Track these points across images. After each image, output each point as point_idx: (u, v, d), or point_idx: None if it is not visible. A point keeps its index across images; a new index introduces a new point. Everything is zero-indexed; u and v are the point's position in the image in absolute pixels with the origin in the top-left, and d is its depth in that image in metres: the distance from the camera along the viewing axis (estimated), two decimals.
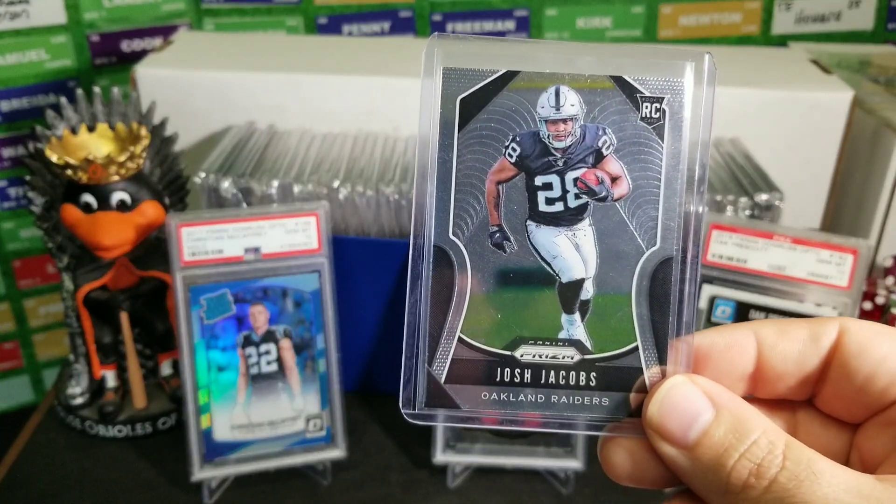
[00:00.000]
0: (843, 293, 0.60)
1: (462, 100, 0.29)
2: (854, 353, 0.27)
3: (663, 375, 0.29)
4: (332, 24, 1.04)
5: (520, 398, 0.30)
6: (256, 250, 0.61)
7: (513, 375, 0.30)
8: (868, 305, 0.73)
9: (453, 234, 0.30)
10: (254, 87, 0.78)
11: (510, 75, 0.29)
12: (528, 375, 0.30)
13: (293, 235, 0.62)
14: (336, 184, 0.67)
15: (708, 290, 0.62)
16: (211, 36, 0.96)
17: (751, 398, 0.29)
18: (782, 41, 1.05)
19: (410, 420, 0.30)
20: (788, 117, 0.77)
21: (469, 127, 0.29)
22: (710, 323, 0.62)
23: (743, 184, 0.68)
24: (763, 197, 0.66)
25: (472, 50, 0.29)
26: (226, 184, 0.67)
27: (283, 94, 0.78)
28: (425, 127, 0.29)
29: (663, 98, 0.29)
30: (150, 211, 0.65)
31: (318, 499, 0.63)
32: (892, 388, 0.27)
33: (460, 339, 0.30)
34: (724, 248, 0.61)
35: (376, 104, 0.78)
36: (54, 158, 0.62)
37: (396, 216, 0.68)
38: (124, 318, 0.69)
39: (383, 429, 0.71)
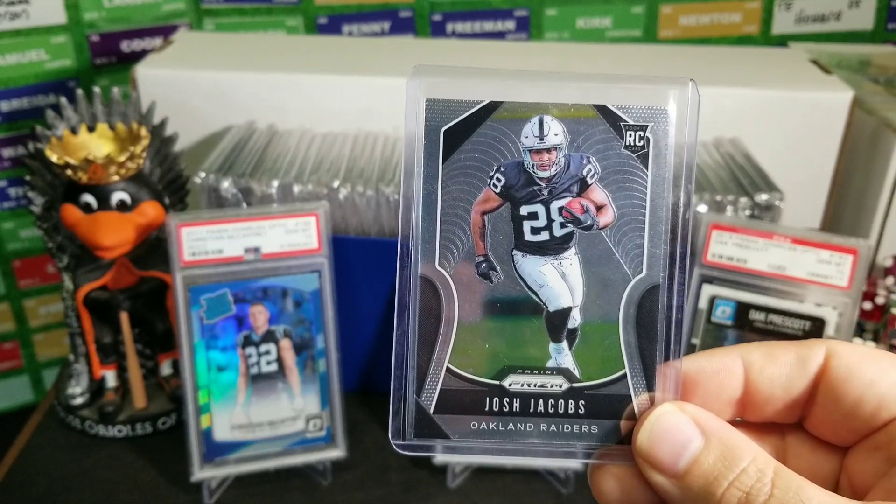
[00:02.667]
0: (843, 293, 0.60)
1: (446, 131, 0.29)
2: (842, 378, 0.27)
3: (652, 402, 0.29)
4: (332, 24, 1.04)
5: (509, 427, 0.30)
6: (256, 250, 0.61)
7: (501, 405, 0.30)
8: (868, 305, 0.73)
9: (440, 265, 0.30)
10: (254, 87, 0.78)
11: (494, 105, 0.29)
12: (516, 404, 0.30)
13: (293, 235, 0.62)
14: (336, 184, 0.67)
15: (708, 290, 0.62)
16: (211, 36, 0.96)
17: (739, 422, 0.29)
18: (782, 41, 1.05)
19: (400, 451, 0.30)
20: (788, 117, 0.77)
21: (453, 157, 0.29)
22: (709, 323, 0.62)
23: (743, 184, 0.68)
24: (763, 197, 0.66)
25: (455, 80, 0.30)
26: (226, 184, 0.67)
27: (283, 94, 0.78)
28: (409, 158, 0.30)
29: (647, 126, 0.29)
30: (150, 211, 0.65)
31: (318, 499, 0.63)
32: (881, 412, 0.27)
33: (448, 370, 0.30)
34: (724, 248, 0.61)
35: (376, 104, 0.78)
36: (54, 158, 0.62)
37: (396, 216, 0.68)
38: (124, 318, 0.69)
39: (383, 429, 0.71)
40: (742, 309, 0.61)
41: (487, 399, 0.30)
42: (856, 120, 0.76)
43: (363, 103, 0.78)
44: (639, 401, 0.29)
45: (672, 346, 0.29)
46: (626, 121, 0.29)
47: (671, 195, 0.29)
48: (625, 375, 0.29)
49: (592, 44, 1.03)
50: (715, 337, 0.62)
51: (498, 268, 0.30)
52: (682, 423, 0.27)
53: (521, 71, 0.30)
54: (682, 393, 0.29)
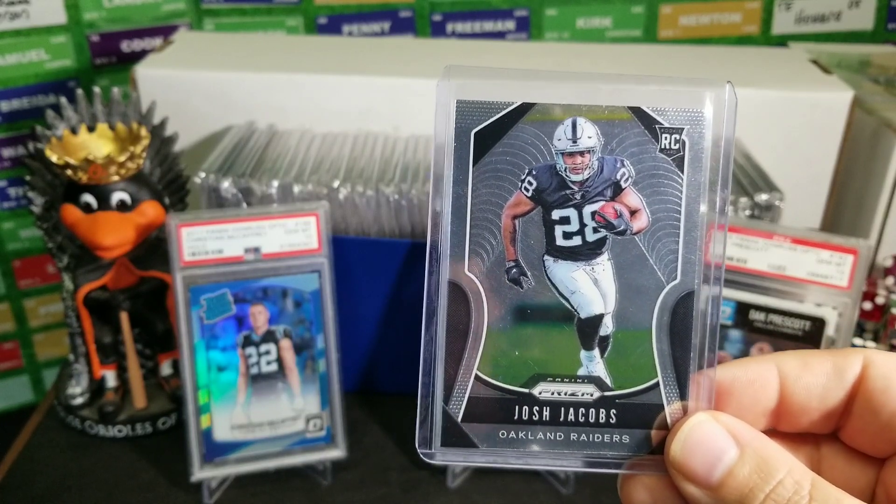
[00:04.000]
0: (843, 293, 0.60)
1: (476, 133, 0.29)
2: (880, 389, 0.27)
3: (685, 412, 0.28)
4: (332, 24, 1.04)
5: (538, 436, 0.29)
6: (256, 250, 0.61)
7: (531, 413, 0.29)
8: (868, 305, 0.73)
9: (469, 270, 0.29)
10: (254, 87, 0.78)
11: (525, 107, 0.29)
12: (546, 413, 0.29)
13: (293, 235, 0.62)
14: (336, 184, 0.67)
15: (707, 290, 0.62)
16: (211, 36, 0.96)
17: (773, 432, 0.29)
18: (782, 41, 1.05)
19: (427, 460, 0.29)
20: (788, 117, 0.76)
21: (484, 160, 0.29)
22: None
23: (743, 184, 0.68)
24: (763, 197, 0.66)
25: (486, 82, 0.29)
26: (226, 184, 0.67)
27: (283, 94, 0.78)
28: (439, 161, 0.29)
29: (683, 129, 0.28)
30: (150, 211, 0.65)
31: (318, 499, 0.63)
32: None
33: (477, 377, 0.29)
34: None
35: (376, 104, 0.78)
36: (54, 158, 0.62)
37: (396, 216, 0.68)
38: (124, 318, 0.69)
39: (383, 429, 0.71)
40: (742, 309, 0.61)
41: (517, 407, 0.29)
42: (856, 120, 0.76)
43: (363, 103, 0.78)
44: (671, 410, 0.28)
45: (706, 355, 0.29)
46: (661, 123, 0.28)
47: (707, 200, 0.29)
48: (657, 384, 0.29)
49: (592, 44, 1.03)
50: None
51: (529, 273, 0.29)
52: (716, 434, 0.26)
53: (553, 72, 0.29)
54: (715, 402, 0.28)
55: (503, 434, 0.29)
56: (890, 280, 0.74)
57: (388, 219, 0.68)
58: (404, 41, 1.00)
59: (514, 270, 0.29)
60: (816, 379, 0.28)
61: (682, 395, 0.28)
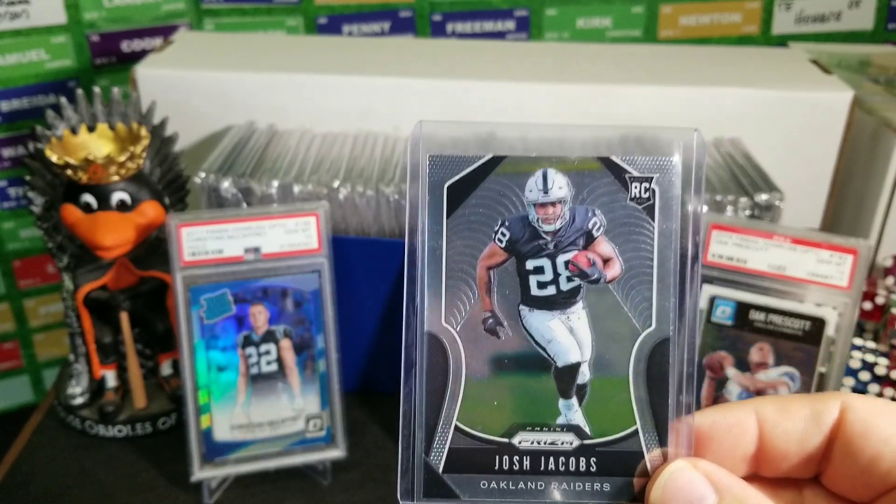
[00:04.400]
0: (843, 293, 0.60)
1: (449, 186, 0.29)
2: (858, 433, 0.27)
3: (665, 458, 0.28)
4: (332, 24, 1.04)
5: (519, 486, 0.29)
6: (256, 250, 0.61)
7: (511, 463, 0.29)
8: (868, 305, 0.73)
9: (446, 321, 0.29)
10: (254, 87, 0.78)
11: (496, 160, 0.29)
12: (526, 463, 0.29)
13: (293, 235, 0.62)
14: (336, 184, 0.67)
15: (708, 290, 0.62)
16: (211, 36, 0.96)
17: (755, 477, 0.29)
18: (782, 41, 1.05)
19: None
20: (788, 117, 0.77)
21: (458, 213, 0.29)
22: (709, 323, 0.62)
23: (743, 184, 0.68)
24: (763, 197, 0.66)
25: (456, 136, 0.29)
26: (226, 184, 0.67)
27: (283, 94, 0.78)
28: (413, 213, 0.29)
29: (652, 177, 0.29)
30: (150, 211, 0.65)
31: (318, 499, 0.63)
32: None
33: (457, 428, 0.29)
34: (724, 248, 0.61)
35: (376, 104, 0.78)
36: (54, 158, 0.62)
37: (396, 216, 0.68)
38: (124, 318, 0.69)
39: (383, 429, 0.71)
40: (742, 309, 0.61)
41: (497, 457, 0.29)
42: (856, 120, 0.76)
43: (363, 103, 0.78)
44: (651, 457, 0.28)
45: (684, 401, 0.29)
46: (630, 172, 0.29)
47: (679, 246, 0.29)
48: (636, 431, 0.29)
49: (592, 44, 1.03)
50: (715, 337, 0.62)
51: (505, 323, 0.29)
52: (695, 480, 0.26)
53: (523, 124, 0.29)
54: (695, 448, 0.28)
55: (484, 485, 0.29)
56: (890, 280, 0.74)
57: (388, 219, 0.68)
58: (404, 41, 1.00)
59: (491, 321, 0.29)
60: (795, 424, 0.28)
61: (662, 442, 0.29)
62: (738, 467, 0.28)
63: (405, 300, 0.29)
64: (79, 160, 0.62)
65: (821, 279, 0.60)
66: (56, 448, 0.69)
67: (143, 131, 0.65)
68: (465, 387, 0.29)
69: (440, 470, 0.29)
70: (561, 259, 0.29)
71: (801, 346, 0.61)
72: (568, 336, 0.29)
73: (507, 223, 0.29)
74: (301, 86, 0.78)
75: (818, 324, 0.61)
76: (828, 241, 0.60)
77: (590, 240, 0.29)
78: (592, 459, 0.29)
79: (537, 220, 0.29)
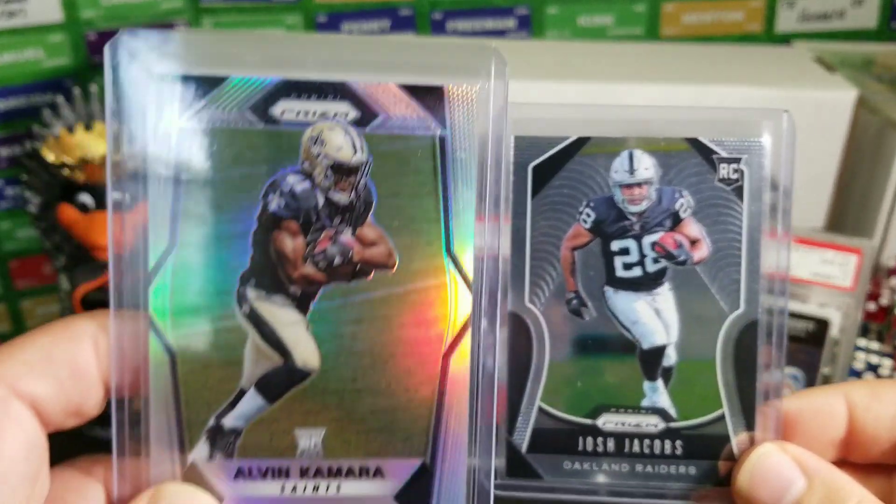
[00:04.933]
0: (847, 294, 0.60)
1: (534, 167, 0.29)
2: None
3: (752, 442, 0.28)
4: (332, 23, 1.03)
5: (602, 467, 0.29)
6: None
7: (595, 444, 0.29)
8: (872, 306, 0.72)
9: (529, 301, 0.29)
10: None
11: (582, 141, 0.29)
12: (610, 444, 0.29)
13: None
14: None
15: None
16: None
17: (844, 462, 0.28)
18: (785, 39, 1.04)
19: (492, 491, 0.29)
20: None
21: (542, 194, 0.29)
22: None
23: None
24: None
25: (542, 117, 0.29)
26: None
27: None
28: (498, 194, 0.29)
29: (741, 158, 0.29)
30: None
31: None
32: None
33: (540, 408, 0.29)
34: None
35: None
36: (51, 158, 0.61)
37: None
38: None
39: None
40: None
41: (580, 438, 0.29)
42: (860, 119, 0.76)
43: None
44: (738, 441, 0.28)
45: (773, 384, 0.28)
46: (719, 153, 0.29)
47: (768, 228, 0.29)
48: (723, 415, 0.29)
49: (594, 42, 1.02)
50: None
51: (589, 304, 0.29)
52: (784, 464, 0.26)
53: (609, 106, 0.29)
54: (783, 433, 0.28)
55: (567, 465, 0.29)
56: (894, 280, 0.74)
57: None
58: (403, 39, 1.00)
59: (575, 301, 0.29)
60: (886, 409, 0.27)
61: (749, 426, 0.28)
62: (827, 452, 0.28)
63: (487, 279, 0.28)
64: (75, 159, 0.61)
65: (824, 279, 0.60)
66: (53, 449, 0.68)
67: None
68: (548, 367, 0.29)
69: (523, 450, 0.29)
70: (647, 240, 0.29)
71: (805, 347, 0.61)
72: (654, 318, 0.29)
73: (592, 204, 0.29)
74: None
75: (822, 325, 0.60)
76: (831, 241, 0.60)
77: (677, 221, 0.29)
78: (678, 442, 0.29)
79: (623, 201, 0.29)
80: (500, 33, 1.04)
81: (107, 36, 0.98)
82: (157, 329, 0.26)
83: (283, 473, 0.27)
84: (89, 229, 0.63)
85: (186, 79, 0.25)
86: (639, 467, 0.29)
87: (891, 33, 1.06)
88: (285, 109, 0.25)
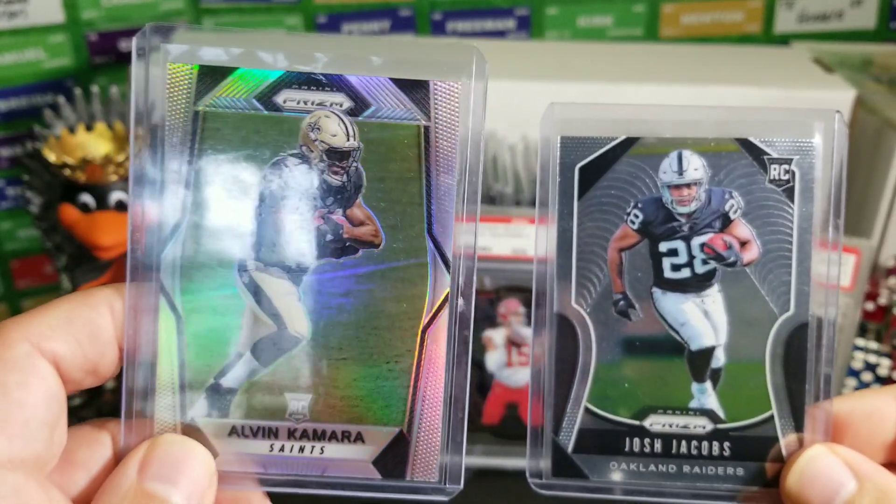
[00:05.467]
0: (846, 294, 0.60)
1: (581, 168, 0.29)
2: None
3: (800, 444, 0.28)
4: (332, 23, 1.03)
5: (650, 468, 0.29)
6: None
7: (642, 446, 0.29)
8: (870, 306, 0.72)
9: (576, 303, 0.29)
10: None
11: (630, 141, 0.29)
12: (658, 445, 0.29)
13: None
14: None
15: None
16: None
17: (893, 466, 0.28)
18: (784, 40, 1.04)
19: (537, 490, 0.29)
20: None
21: (589, 194, 0.29)
22: None
23: None
24: None
25: (589, 117, 0.29)
26: None
27: None
28: (544, 195, 0.29)
29: (792, 159, 0.28)
30: None
31: (318, 498, 0.63)
32: None
33: (586, 409, 0.29)
34: None
35: None
36: (52, 158, 0.62)
37: None
38: None
39: None
40: None
41: (627, 440, 0.29)
42: (858, 119, 0.76)
43: None
44: (787, 442, 0.28)
45: (822, 387, 0.28)
46: (770, 154, 0.28)
47: (819, 230, 0.28)
48: (772, 416, 0.29)
49: (593, 43, 1.02)
50: None
51: (637, 305, 0.29)
52: (834, 466, 0.26)
53: (657, 106, 0.29)
54: (832, 435, 0.28)
55: (614, 466, 0.29)
56: (893, 280, 0.74)
57: None
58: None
59: (622, 303, 0.29)
60: None
61: (798, 428, 0.28)
62: (877, 455, 0.27)
63: (535, 280, 0.29)
64: (77, 160, 0.61)
65: (823, 279, 0.60)
66: None
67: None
68: (594, 368, 0.29)
69: (569, 450, 0.29)
70: (696, 241, 0.29)
71: None
72: (702, 319, 0.29)
73: (640, 205, 0.29)
74: None
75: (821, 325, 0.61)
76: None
77: (726, 222, 0.29)
78: (726, 444, 0.29)
79: (672, 202, 0.29)
80: (499, 34, 1.04)
81: (107, 36, 0.99)
82: (167, 294, 0.28)
83: (272, 434, 0.28)
84: (90, 229, 0.63)
85: (202, 69, 0.27)
86: (686, 468, 0.29)
87: (889, 34, 1.06)
88: (287, 98, 0.28)
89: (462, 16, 1.03)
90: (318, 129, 0.28)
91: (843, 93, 0.75)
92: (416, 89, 0.28)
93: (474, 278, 0.28)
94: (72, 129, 0.67)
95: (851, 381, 0.68)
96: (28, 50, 0.95)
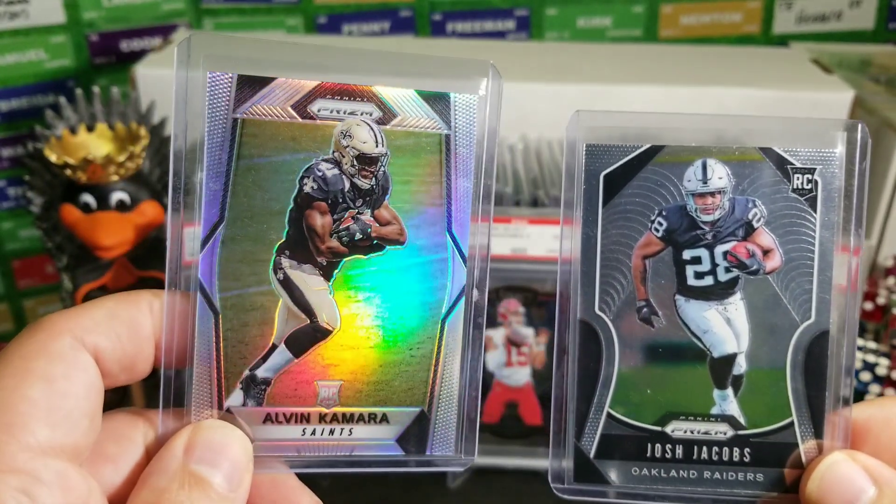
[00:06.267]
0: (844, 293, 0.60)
1: (606, 175, 0.29)
2: None
3: (820, 451, 0.28)
4: (332, 24, 1.03)
5: (671, 474, 0.29)
6: None
7: (664, 451, 0.29)
8: (869, 306, 0.73)
9: (599, 309, 0.29)
10: None
11: (655, 150, 0.29)
12: (679, 451, 0.29)
13: None
14: None
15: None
16: None
17: None
18: (783, 41, 1.05)
19: (560, 495, 0.29)
20: None
21: (613, 202, 0.29)
22: None
23: None
24: None
25: (615, 125, 0.29)
26: None
27: None
28: (569, 202, 0.29)
29: (815, 169, 0.29)
30: (149, 211, 0.65)
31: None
32: None
33: (609, 415, 0.29)
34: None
35: None
36: (53, 158, 0.62)
37: None
38: None
39: None
40: None
41: (649, 445, 0.29)
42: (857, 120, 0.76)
43: None
44: (806, 449, 0.29)
45: (841, 394, 0.29)
46: (793, 164, 0.29)
47: (840, 239, 0.29)
48: (792, 423, 0.29)
49: (593, 43, 1.02)
50: None
51: (660, 312, 0.29)
52: (853, 473, 0.26)
53: (682, 114, 0.29)
54: (852, 442, 0.28)
55: (636, 471, 0.29)
56: (891, 280, 0.74)
57: None
58: (404, 41, 1.00)
59: (646, 310, 0.29)
60: None
61: (818, 434, 0.29)
62: None
63: (558, 286, 0.29)
64: (78, 160, 0.62)
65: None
66: None
67: (143, 131, 0.65)
68: (617, 374, 0.29)
69: (591, 455, 0.30)
70: (719, 249, 0.29)
71: None
72: (724, 326, 0.29)
73: (664, 213, 0.29)
74: None
75: None
76: None
77: (750, 230, 0.29)
78: (746, 450, 0.29)
79: (696, 210, 0.29)
80: (499, 34, 1.04)
81: (108, 37, 0.99)
82: (205, 291, 0.30)
83: (304, 419, 0.30)
84: (91, 229, 0.63)
85: (241, 78, 0.29)
86: (707, 474, 0.29)
87: (888, 34, 1.06)
88: (321, 107, 0.30)
89: (462, 16, 1.03)
90: (350, 136, 0.29)
91: (841, 93, 0.75)
92: (438, 101, 0.30)
93: (488, 272, 0.30)
94: (73, 130, 0.67)
95: (850, 381, 0.68)
96: (29, 50, 0.95)
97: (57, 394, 0.25)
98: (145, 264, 0.67)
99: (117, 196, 0.64)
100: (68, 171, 0.62)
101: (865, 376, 0.68)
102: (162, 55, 0.81)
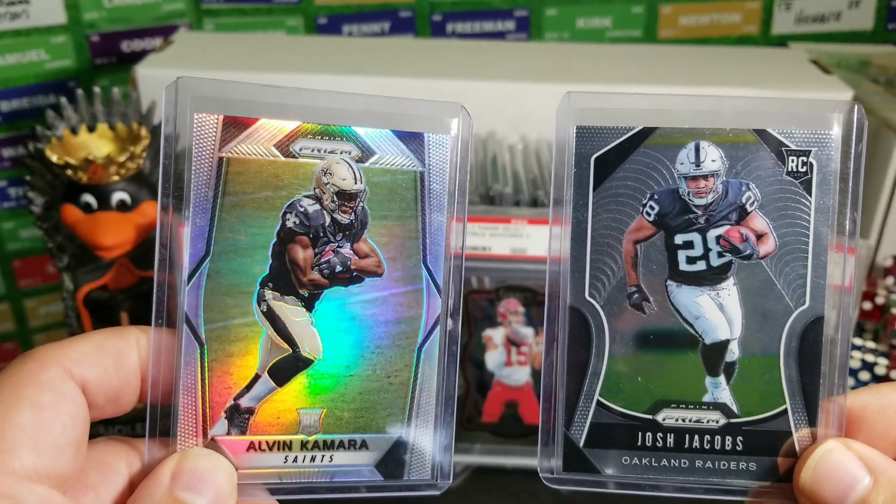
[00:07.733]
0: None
1: (597, 158, 0.28)
2: None
3: (814, 439, 0.28)
4: (332, 24, 1.04)
5: (662, 463, 0.29)
6: None
7: (655, 440, 0.29)
8: (868, 306, 0.73)
9: (589, 295, 0.29)
10: None
11: (647, 132, 0.28)
12: (670, 440, 0.29)
13: None
14: None
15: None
16: (211, 36, 0.96)
17: None
18: (782, 41, 1.05)
19: (549, 484, 0.29)
20: None
21: (604, 186, 0.28)
22: None
23: None
24: None
25: (606, 107, 0.29)
26: None
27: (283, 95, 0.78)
28: (559, 185, 0.29)
29: (810, 151, 0.28)
30: (150, 211, 0.65)
31: (318, 499, 0.63)
32: None
33: (599, 403, 0.29)
34: None
35: None
36: (54, 158, 0.62)
37: None
38: (124, 318, 0.69)
39: None
40: None
41: (640, 434, 0.29)
42: None
43: None
44: (800, 437, 0.28)
45: (836, 381, 0.28)
46: (788, 146, 0.28)
47: (836, 223, 0.28)
48: (786, 411, 0.28)
49: (592, 44, 1.03)
50: None
51: (651, 298, 0.29)
52: (848, 461, 0.26)
53: (675, 96, 0.28)
54: (846, 430, 0.27)
55: (626, 460, 0.29)
56: (890, 280, 0.74)
57: None
58: (404, 41, 1.00)
59: (636, 295, 0.29)
60: None
61: (812, 423, 0.28)
62: (891, 451, 0.27)
63: (548, 272, 0.29)
64: (79, 160, 0.62)
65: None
66: None
67: (143, 131, 0.65)
68: (607, 362, 0.29)
69: (581, 444, 0.29)
70: (712, 234, 0.28)
71: None
72: (717, 313, 0.29)
73: (656, 196, 0.28)
74: (300, 86, 0.78)
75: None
76: None
77: (743, 214, 0.28)
78: (739, 438, 0.28)
79: (688, 194, 0.28)
80: (499, 35, 1.04)
81: (109, 37, 0.99)
82: (191, 324, 0.31)
83: (286, 447, 0.31)
84: (92, 229, 0.63)
85: (227, 120, 0.30)
86: (699, 463, 0.28)
87: (887, 35, 1.06)
88: (303, 147, 0.31)
89: (462, 17, 1.03)
90: (330, 173, 0.31)
91: (840, 94, 0.75)
92: (413, 140, 0.31)
93: (461, 302, 0.31)
94: (74, 130, 0.67)
95: (849, 381, 0.68)
96: (30, 51, 0.96)
97: (44, 421, 0.26)
98: (146, 264, 0.68)
99: (118, 196, 0.64)
100: (69, 172, 0.63)
101: (864, 376, 0.68)
102: (163, 56, 0.82)
